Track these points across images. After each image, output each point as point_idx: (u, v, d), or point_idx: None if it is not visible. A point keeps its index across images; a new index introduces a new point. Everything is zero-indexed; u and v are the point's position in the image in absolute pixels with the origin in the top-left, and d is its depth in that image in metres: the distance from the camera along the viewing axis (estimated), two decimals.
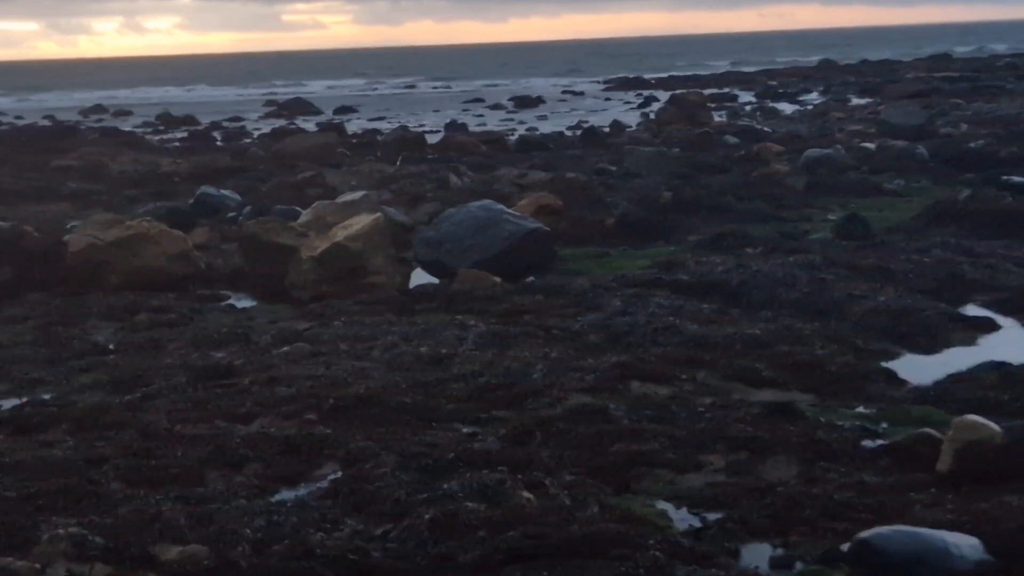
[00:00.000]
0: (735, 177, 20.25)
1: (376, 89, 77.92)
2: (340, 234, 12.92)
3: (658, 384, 8.85)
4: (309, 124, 41.58)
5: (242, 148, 30.72)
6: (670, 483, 7.04)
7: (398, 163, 24.06)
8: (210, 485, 7.03)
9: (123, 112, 55.11)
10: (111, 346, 10.75)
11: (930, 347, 10.10)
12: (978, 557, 5.64)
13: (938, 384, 8.81)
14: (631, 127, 33.85)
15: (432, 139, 29.77)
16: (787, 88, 53.30)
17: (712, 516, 6.51)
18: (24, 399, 9.13)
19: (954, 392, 8.53)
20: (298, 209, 16.17)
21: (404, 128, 33.35)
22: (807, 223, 16.19)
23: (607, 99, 54.94)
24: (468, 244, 13.31)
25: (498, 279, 12.44)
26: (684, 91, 43.41)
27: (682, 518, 6.56)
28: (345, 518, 6.45)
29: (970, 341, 10.27)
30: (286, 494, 6.97)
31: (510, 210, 14.34)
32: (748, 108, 42.17)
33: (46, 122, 46.34)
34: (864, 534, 5.81)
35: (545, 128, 35.68)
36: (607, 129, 32.64)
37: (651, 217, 16.26)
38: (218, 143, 34.58)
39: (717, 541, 6.15)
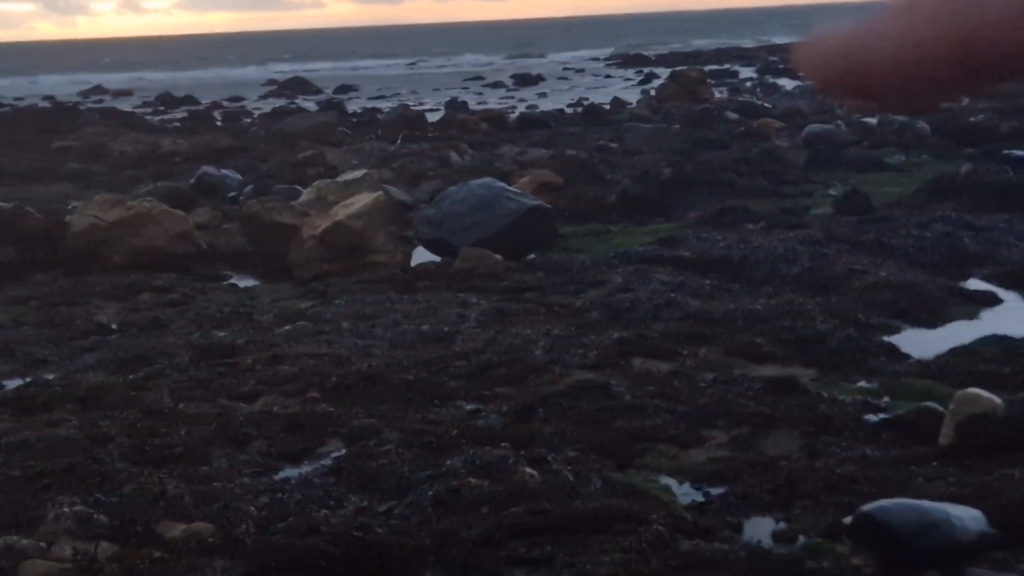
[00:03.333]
0: (736, 153, 20.23)
1: (376, 68, 77.76)
2: (341, 213, 12.92)
3: (660, 360, 8.87)
4: (309, 103, 41.54)
5: (243, 128, 30.69)
6: (672, 458, 7.05)
7: (399, 142, 24.05)
8: (214, 463, 7.06)
9: (123, 93, 55.03)
10: (114, 326, 10.77)
11: (931, 321, 10.11)
12: (980, 529, 5.66)
13: (940, 358, 8.82)
14: (631, 104, 33.80)
15: (433, 118, 29.74)
16: (788, 64, 53.18)
17: (715, 491, 6.53)
18: (28, 379, 9.16)
19: (956, 366, 8.55)
20: (299, 188, 16.16)
21: (404, 107, 33.33)
22: (808, 198, 16.18)
23: (607, 76, 54.85)
24: (469, 222, 13.31)
25: (499, 257, 12.45)
26: (684, 68, 43.28)
27: (685, 493, 6.58)
28: (349, 495, 6.48)
29: (971, 315, 10.28)
30: (290, 472, 7.00)
31: (511, 188, 14.34)
32: (749, 84, 42.12)
33: (46, 103, 46.26)
34: (867, 507, 5.83)
35: (545, 106, 35.64)
36: (607, 106, 32.59)
37: (652, 194, 16.25)
38: (218, 123, 34.54)
39: (720, 515, 6.17)
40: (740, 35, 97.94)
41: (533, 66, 64.64)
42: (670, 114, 27.81)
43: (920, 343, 9.39)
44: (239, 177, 18.94)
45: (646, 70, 54.87)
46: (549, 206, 14.05)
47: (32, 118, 34.96)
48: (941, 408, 7.16)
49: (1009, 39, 0.67)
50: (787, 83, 41.18)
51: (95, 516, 6.07)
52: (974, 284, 11.18)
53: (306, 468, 7.05)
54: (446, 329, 9.83)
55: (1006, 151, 17.77)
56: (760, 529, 6.05)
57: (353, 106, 39.22)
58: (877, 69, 0.70)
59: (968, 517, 5.70)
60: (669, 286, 10.94)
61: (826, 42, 0.73)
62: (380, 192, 13.75)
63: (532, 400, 7.92)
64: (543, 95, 42.74)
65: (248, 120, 34.75)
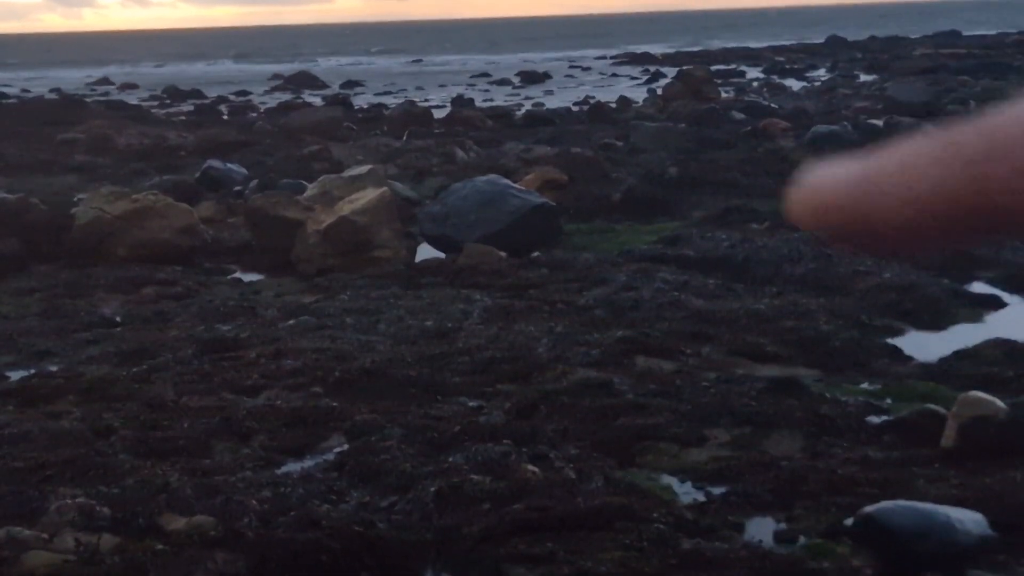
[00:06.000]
0: (741, 153, 20.21)
1: (382, 64, 77.75)
2: (346, 208, 12.93)
3: (663, 359, 8.87)
4: (315, 98, 41.52)
5: (248, 122, 30.68)
6: (674, 457, 7.06)
7: (404, 138, 24.05)
8: (217, 457, 7.07)
9: (129, 85, 55.05)
10: (118, 318, 10.78)
11: (935, 323, 10.11)
12: (981, 532, 5.66)
13: (943, 360, 8.83)
14: (637, 102, 33.77)
15: (438, 114, 29.74)
16: (794, 64, 53.17)
17: (716, 490, 6.54)
18: (31, 370, 9.17)
19: (959, 368, 8.55)
20: (304, 183, 16.16)
21: (410, 103, 33.31)
22: None
23: (613, 75, 54.80)
24: (474, 219, 13.31)
25: (503, 254, 12.46)
26: (691, 67, 43.29)
27: (686, 492, 6.58)
28: (351, 490, 6.49)
29: (975, 318, 10.28)
30: (292, 466, 7.01)
31: (516, 185, 14.34)
32: (755, 84, 42.07)
33: (53, 95, 46.25)
34: (868, 508, 5.84)
35: (551, 103, 35.61)
36: (613, 104, 32.57)
37: (657, 192, 16.25)
38: (224, 117, 34.55)
39: (721, 515, 6.17)
40: (748, 35, 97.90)
41: (539, 64, 64.60)
42: (676, 113, 27.78)
43: (923, 345, 9.39)
44: (244, 171, 18.95)
45: (652, 69, 54.83)
46: (554, 203, 14.04)
47: (38, 110, 34.96)
48: (943, 410, 7.16)
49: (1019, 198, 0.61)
50: (794, 84, 41.15)
51: (97, 508, 6.08)
52: (978, 287, 11.17)
53: (308, 463, 7.06)
54: (449, 325, 9.84)
55: None
56: (761, 529, 6.06)
57: (359, 101, 39.21)
58: (886, 218, 0.64)
59: (969, 520, 5.70)
60: (673, 285, 10.94)
61: (825, 191, 0.68)
62: (385, 188, 13.75)
63: (534, 397, 7.93)
64: (549, 93, 42.74)
65: (254, 114, 34.75)
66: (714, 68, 48.21)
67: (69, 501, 6.15)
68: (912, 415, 7.33)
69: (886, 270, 11.32)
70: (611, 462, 6.88)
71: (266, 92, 47.55)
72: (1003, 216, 0.62)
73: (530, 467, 6.61)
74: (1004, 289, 11.05)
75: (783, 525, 6.08)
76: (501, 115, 29.59)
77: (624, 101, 33.77)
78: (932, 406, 7.36)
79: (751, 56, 62.24)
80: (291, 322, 10.18)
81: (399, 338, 9.54)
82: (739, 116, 26.32)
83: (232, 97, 43.65)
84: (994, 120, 0.63)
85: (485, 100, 38.68)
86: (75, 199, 15.61)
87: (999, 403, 7.00)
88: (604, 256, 12.53)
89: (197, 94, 44.71)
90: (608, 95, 37.07)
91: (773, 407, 7.61)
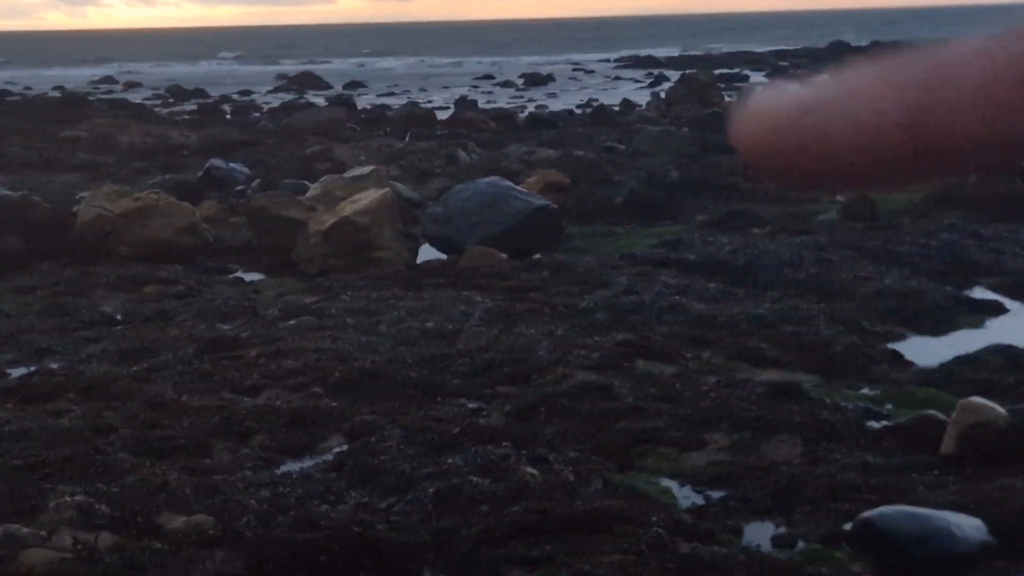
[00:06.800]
0: (743, 157, 20.20)
1: (385, 65, 77.76)
2: (348, 209, 12.94)
3: (663, 363, 8.87)
4: (319, 99, 41.53)
5: (251, 122, 30.71)
6: (674, 461, 7.06)
7: (407, 139, 24.06)
8: (216, 456, 7.07)
9: (133, 84, 55.09)
10: (119, 317, 10.78)
11: (936, 329, 10.11)
12: (981, 538, 5.67)
13: (943, 366, 8.82)
14: (640, 106, 33.77)
15: (441, 115, 29.75)
16: (797, 69, 53.14)
17: (715, 494, 6.54)
18: (32, 368, 9.17)
19: (959, 374, 8.54)
20: (306, 183, 16.17)
21: (413, 104, 33.32)
22: (814, 204, 16.17)
23: (617, 78, 54.83)
24: (475, 220, 13.32)
25: (505, 256, 12.45)
26: (694, 71, 43.28)
27: (685, 496, 6.58)
28: (350, 491, 6.49)
29: (976, 324, 10.28)
30: (291, 466, 7.01)
31: (518, 187, 14.35)
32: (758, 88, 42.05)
33: (56, 93, 46.26)
34: (867, 514, 5.84)
35: (554, 106, 35.64)
36: (616, 108, 32.58)
37: (659, 196, 16.25)
38: (227, 116, 34.55)
39: (720, 519, 6.17)
40: (751, 39, 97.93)
41: (543, 66, 64.61)
42: (679, 117, 27.79)
43: (924, 351, 9.38)
44: (247, 171, 18.97)
45: (656, 72, 54.84)
46: (556, 206, 14.04)
47: (42, 108, 34.98)
48: (943, 417, 7.16)
49: (962, 129, 0.59)
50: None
51: (96, 506, 6.08)
52: (979, 293, 11.17)
53: (307, 463, 7.06)
54: (450, 327, 9.83)
55: None
56: (760, 534, 6.05)
57: (362, 102, 39.21)
58: (825, 148, 0.62)
59: (968, 526, 5.70)
60: (674, 289, 10.94)
61: (768, 115, 0.65)
62: (387, 189, 13.76)
63: (534, 400, 7.92)
64: (552, 95, 42.75)
65: (257, 114, 34.76)
66: (717, 72, 48.18)
67: (68, 499, 6.15)
68: (912, 421, 7.33)
69: (887, 276, 11.32)
70: (610, 465, 6.88)
71: (269, 92, 47.56)
72: (940, 152, 0.61)
73: (529, 469, 6.61)
74: (1005, 295, 11.05)
75: (782, 530, 6.08)
76: (504, 117, 29.60)
77: (627, 104, 33.77)
78: (932, 412, 7.36)
79: (754, 60, 62.23)
80: (292, 322, 10.18)
81: (400, 339, 9.54)
82: None
83: (235, 97, 43.67)
84: (939, 51, 0.62)
85: (488, 102, 38.68)
86: (77, 197, 15.62)
87: (999, 409, 7.00)
88: (605, 259, 12.52)
89: (200, 93, 44.73)
90: (611, 98, 37.06)
91: (773, 412, 7.60)
